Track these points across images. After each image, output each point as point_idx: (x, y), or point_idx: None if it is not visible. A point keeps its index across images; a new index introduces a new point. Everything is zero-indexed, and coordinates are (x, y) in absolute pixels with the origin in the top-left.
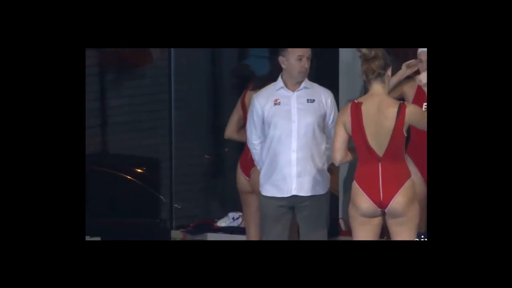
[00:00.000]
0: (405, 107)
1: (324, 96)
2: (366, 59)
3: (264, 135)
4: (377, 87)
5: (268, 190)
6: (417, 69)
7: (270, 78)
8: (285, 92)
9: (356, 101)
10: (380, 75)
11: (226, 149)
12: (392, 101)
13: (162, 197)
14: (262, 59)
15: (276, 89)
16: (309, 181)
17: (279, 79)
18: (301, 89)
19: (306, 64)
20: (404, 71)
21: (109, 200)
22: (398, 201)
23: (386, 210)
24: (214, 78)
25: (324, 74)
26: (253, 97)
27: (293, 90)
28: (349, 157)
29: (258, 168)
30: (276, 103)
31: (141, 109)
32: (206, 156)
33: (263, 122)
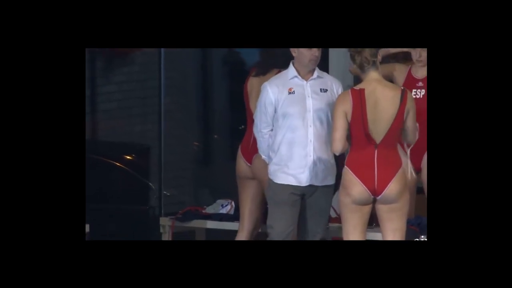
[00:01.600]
0: (407, 92)
1: (335, 86)
2: (357, 52)
3: (273, 123)
4: (373, 74)
5: (283, 178)
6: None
7: (274, 64)
8: (298, 81)
9: (356, 88)
10: (374, 63)
11: (215, 136)
12: (392, 85)
13: (151, 184)
14: None
15: (289, 78)
16: (323, 170)
17: (291, 67)
18: (314, 78)
19: (316, 52)
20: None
21: (98, 187)
22: (392, 188)
23: (379, 197)
24: (204, 65)
25: None
26: (264, 85)
27: (307, 79)
28: (346, 145)
29: (263, 156)
30: (291, 92)
31: (131, 95)
32: (195, 143)
33: (275, 110)
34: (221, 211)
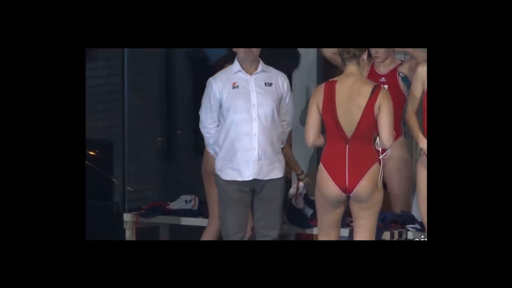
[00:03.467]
0: (380, 88)
1: (281, 80)
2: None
3: (219, 119)
4: (352, 67)
5: (229, 174)
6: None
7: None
8: (242, 75)
9: (330, 80)
10: (355, 56)
11: (179, 132)
12: (368, 81)
13: (114, 180)
14: None
15: (233, 72)
16: (268, 164)
17: (236, 62)
18: (258, 72)
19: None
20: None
21: None
22: (363, 185)
23: (351, 195)
24: (168, 61)
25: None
26: (209, 80)
27: (251, 73)
28: (321, 140)
29: (211, 152)
30: (235, 86)
31: (94, 91)
32: (159, 138)
33: (220, 105)
34: (185, 207)
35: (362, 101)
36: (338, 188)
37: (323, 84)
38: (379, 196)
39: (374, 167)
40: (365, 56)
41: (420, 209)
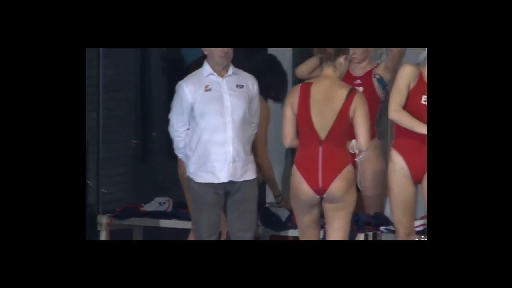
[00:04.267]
0: (356, 92)
1: (251, 82)
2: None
3: (189, 122)
4: (328, 70)
5: (204, 177)
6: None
7: None
8: (214, 78)
9: (306, 82)
10: (331, 59)
11: (154, 134)
12: (343, 84)
13: (89, 182)
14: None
15: (205, 76)
16: (242, 166)
17: (206, 65)
18: (230, 74)
19: (226, 48)
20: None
21: None
22: (336, 186)
23: (324, 196)
24: (143, 62)
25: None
26: (180, 84)
27: (222, 76)
28: (298, 141)
29: (179, 155)
30: (207, 89)
31: None
32: (133, 140)
33: (191, 109)
34: (159, 209)
35: (337, 104)
36: (311, 189)
37: (299, 86)
38: (352, 197)
39: (347, 169)
40: (342, 59)
41: (393, 213)
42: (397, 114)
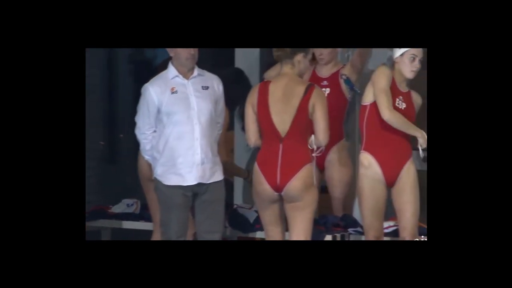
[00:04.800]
0: (313, 88)
1: (216, 83)
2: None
3: (156, 124)
4: (286, 68)
5: (172, 179)
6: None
7: None
8: (180, 80)
9: (265, 81)
10: (288, 56)
11: (121, 136)
12: (301, 80)
13: None
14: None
15: (170, 78)
16: (211, 167)
17: (171, 67)
18: (195, 76)
19: (192, 50)
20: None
21: None
22: (294, 185)
23: (282, 194)
24: (110, 63)
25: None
26: (146, 86)
27: (188, 78)
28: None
29: (146, 157)
30: (173, 91)
31: None
32: (101, 142)
33: (158, 111)
34: (127, 211)
35: (296, 101)
36: (269, 186)
37: (258, 85)
38: (311, 197)
39: (307, 167)
40: (299, 57)
41: (364, 217)
42: (392, 114)
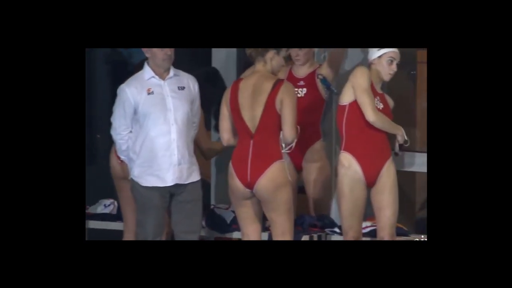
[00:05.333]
0: (281, 83)
1: (192, 83)
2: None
3: (132, 125)
4: (258, 66)
5: (149, 180)
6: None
7: None
8: (156, 81)
9: (238, 79)
10: (260, 54)
11: (98, 136)
12: (270, 76)
13: None
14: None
15: (146, 79)
16: (188, 168)
17: (147, 68)
18: (171, 76)
19: (168, 51)
20: None
21: None
22: (263, 184)
23: (253, 191)
24: (87, 64)
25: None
26: (122, 87)
27: (164, 79)
28: (236, 139)
29: (122, 157)
30: (150, 92)
31: None
32: (97, 135)
33: (135, 112)
34: (104, 211)
35: (263, 96)
36: (241, 183)
37: (232, 84)
38: (284, 195)
39: (277, 164)
40: (270, 54)
41: (343, 217)
42: (377, 116)
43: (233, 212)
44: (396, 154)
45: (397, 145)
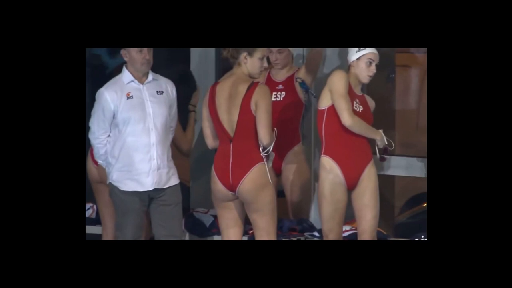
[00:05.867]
0: (256, 85)
1: (170, 87)
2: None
3: (111, 129)
4: (235, 68)
5: (128, 185)
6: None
7: None
8: (135, 85)
9: (215, 82)
10: (235, 56)
11: None
12: (246, 79)
13: None
14: (111, 49)
15: (125, 83)
16: (166, 172)
17: (126, 72)
18: (150, 81)
19: (147, 55)
20: None
21: None
22: (245, 186)
23: (236, 194)
24: None
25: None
26: (101, 91)
27: (142, 83)
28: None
29: (100, 162)
30: (129, 96)
31: None
32: None
33: (113, 116)
34: None
35: (239, 99)
36: (222, 185)
37: (210, 87)
38: (267, 196)
39: (258, 167)
40: (243, 56)
41: (324, 221)
42: (353, 120)
43: (213, 216)
44: (380, 159)
45: (377, 150)
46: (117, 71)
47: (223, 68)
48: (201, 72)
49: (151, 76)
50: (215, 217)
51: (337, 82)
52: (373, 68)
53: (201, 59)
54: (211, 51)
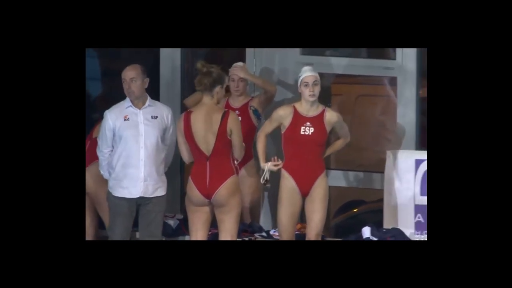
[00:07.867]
0: (228, 113)
1: (165, 113)
2: (200, 72)
3: (112, 145)
4: (206, 99)
5: (120, 191)
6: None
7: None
8: (132, 109)
9: (187, 111)
10: (208, 89)
11: None
12: (217, 108)
13: None
14: (92, 59)
15: (125, 107)
16: (153, 184)
17: (127, 98)
18: (146, 107)
19: (131, 87)
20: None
21: None
22: (220, 193)
23: (212, 200)
24: None
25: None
26: (106, 113)
27: (140, 108)
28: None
29: (102, 172)
30: (126, 119)
31: None
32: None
33: (114, 134)
34: None
35: (215, 127)
36: (200, 193)
37: (183, 115)
38: (236, 201)
39: (231, 179)
40: (218, 88)
41: (280, 222)
42: (258, 138)
43: (178, 220)
44: (264, 184)
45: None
46: (99, 98)
47: (190, 81)
48: (168, 85)
49: (148, 102)
50: (180, 220)
51: (273, 114)
52: (311, 88)
53: (168, 73)
54: (178, 66)
